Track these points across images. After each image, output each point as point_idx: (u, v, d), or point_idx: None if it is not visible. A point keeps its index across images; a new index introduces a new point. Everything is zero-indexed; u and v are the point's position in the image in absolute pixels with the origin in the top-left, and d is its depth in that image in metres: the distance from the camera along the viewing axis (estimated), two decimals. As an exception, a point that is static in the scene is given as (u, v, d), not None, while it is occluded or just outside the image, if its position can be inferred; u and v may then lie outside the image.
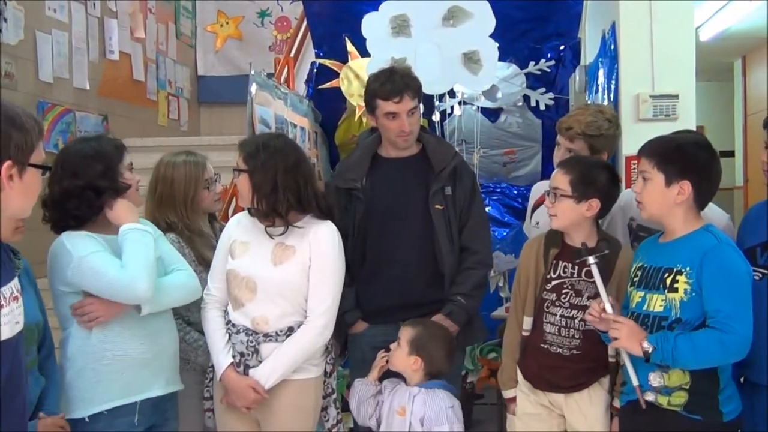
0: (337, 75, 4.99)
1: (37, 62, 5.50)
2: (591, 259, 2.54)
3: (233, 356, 2.73)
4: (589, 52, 4.96)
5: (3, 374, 1.73)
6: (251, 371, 2.70)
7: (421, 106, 3.24)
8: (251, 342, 2.71)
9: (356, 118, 4.92)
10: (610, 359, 2.72)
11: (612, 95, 4.11)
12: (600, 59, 4.47)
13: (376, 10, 4.18)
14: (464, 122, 4.78)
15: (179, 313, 2.87)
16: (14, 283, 1.85)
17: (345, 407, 3.31)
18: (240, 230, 2.83)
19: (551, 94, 4.99)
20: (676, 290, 2.40)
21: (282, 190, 2.68)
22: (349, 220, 3.13)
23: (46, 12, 5.66)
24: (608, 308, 2.49)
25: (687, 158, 2.46)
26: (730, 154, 9.15)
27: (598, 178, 2.74)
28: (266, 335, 2.70)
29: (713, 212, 2.76)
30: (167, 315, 2.72)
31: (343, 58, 5.00)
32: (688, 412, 2.40)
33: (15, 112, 1.77)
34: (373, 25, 4.15)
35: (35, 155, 1.81)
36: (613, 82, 4.10)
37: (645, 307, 2.47)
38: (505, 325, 3.00)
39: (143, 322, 2.59)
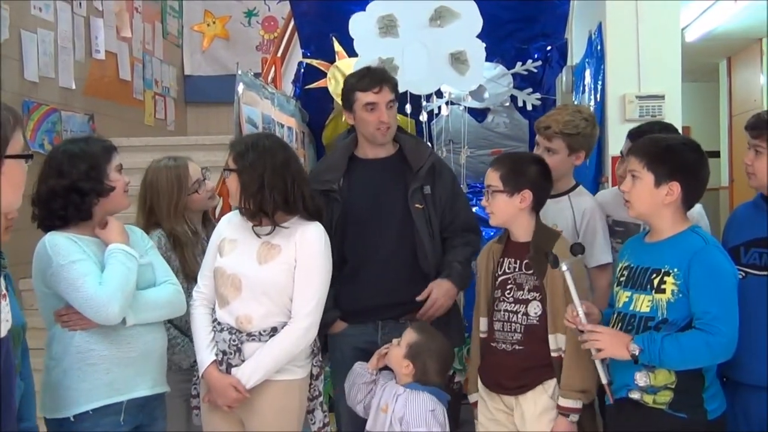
0: (324, 75, 5.00)
1: (23, 61, 5.47)
2: (564, 266, 2.50)
3: (216, 354, 2.72)
4: (576, 52, 4.99)
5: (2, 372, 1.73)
6: (233, 370, 2.68)
7: (397, 104, 3.22)
8: (234, 341, 2.69)
9: (343, 119, 4.90)
10: (552, 354, 2.70)
11: (598, 96, 4.14)
12: (586, 60, 4.49)
13: (364, 10, 4.18)
14: (451, 122, 4.79)
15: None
16: (2, 283, 1.84)
17: (332, 408, 3.30)
18: (230, 228, 2.83)
19: (538, 95, 5.02)
20: (663, 291, 2.40)
21: (269, 189, 2.67)
22: (326, 222, 3.12)
23: (31, 11, 5.63)
24: (582, 317, 2.47)
25: (677, 160, 2.47)
26: (716, 154, 9.19)
27: (527, 170, 2.80)
28: (249, 335, 2.69)
29: None
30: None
31: (331, 58, 5.00)
32: (673, 410, 2.40)
33: None
34: (360, 25, 4.16)
35: (12, 146, 1.78)
36: (600, 82, 4.12)
37: (631, 307, 2.48)
38: None
39: (129, 322, 2.59)
